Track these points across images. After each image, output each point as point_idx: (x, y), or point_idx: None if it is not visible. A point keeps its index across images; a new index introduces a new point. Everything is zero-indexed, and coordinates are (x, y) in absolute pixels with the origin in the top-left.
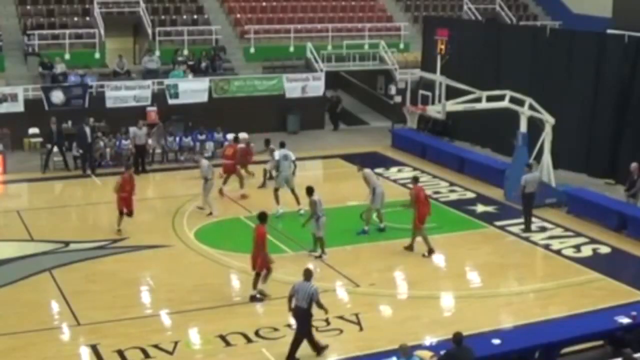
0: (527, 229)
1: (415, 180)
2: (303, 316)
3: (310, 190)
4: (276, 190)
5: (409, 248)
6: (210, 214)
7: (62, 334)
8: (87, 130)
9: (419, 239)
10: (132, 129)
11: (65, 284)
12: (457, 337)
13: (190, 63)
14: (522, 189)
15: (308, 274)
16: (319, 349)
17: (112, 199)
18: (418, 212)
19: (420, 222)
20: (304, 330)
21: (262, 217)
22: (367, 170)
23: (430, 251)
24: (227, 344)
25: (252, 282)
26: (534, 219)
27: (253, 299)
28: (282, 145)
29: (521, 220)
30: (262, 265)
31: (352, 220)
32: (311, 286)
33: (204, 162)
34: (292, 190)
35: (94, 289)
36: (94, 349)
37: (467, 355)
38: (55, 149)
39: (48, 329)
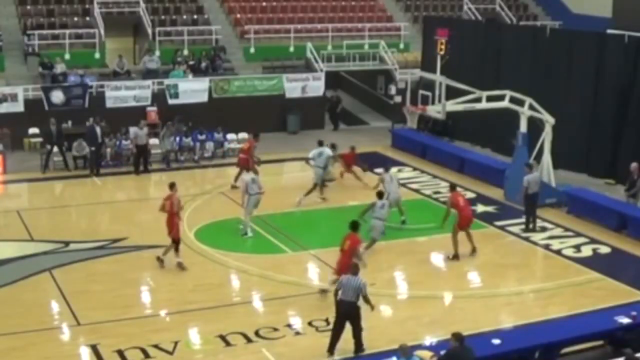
0: (528, 228)
1: (452, 187)
2: (352, 309)
3: (380, 194)
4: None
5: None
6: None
7: (62, 334)
8: (98, 130)
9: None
10: (132, 129)
11: (65, 284)
12: (459, 336)
13: (191, 63)
14: (525, 190)
15: (356, 268)
16: (360, 347)
17: (112, 199)
18: (459, 216)
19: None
20: (358, 322)
21: (355, 226)
22: (386, 176)
23: (455, 256)
24: (227, 343)
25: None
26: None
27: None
28: (320, 143)
29: (521, 220)
30: (340, 271)
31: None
32: (359, 280)
33: (246, 177)
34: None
35: (94, 289)
36: (94, 349)
37: (467, 354)
38: (55, 149)
39: (48, 329)
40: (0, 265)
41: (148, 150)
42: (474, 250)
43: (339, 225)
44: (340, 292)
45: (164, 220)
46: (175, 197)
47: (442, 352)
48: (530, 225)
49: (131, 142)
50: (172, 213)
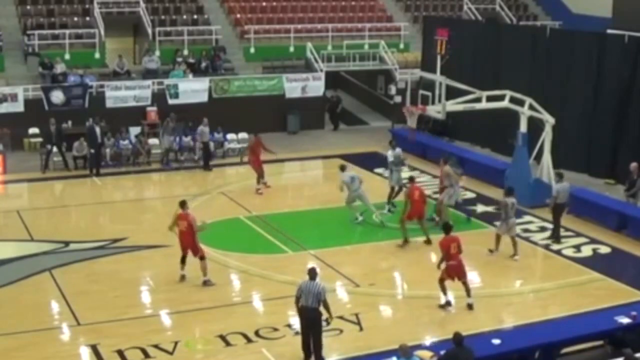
0: (557, 239)
1: (411, 179)
2: (314, 316)
3: (510, 191)
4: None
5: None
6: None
7: (62, 334)
8: (98, 130)
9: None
10: (199, 128)
11: (66, 284)
12: (458, 338)
13: (191, 61)
14: (554, 199)
15: (313, 273)
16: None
17: (111, 199)
18: (410, 208)
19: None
20: (319, 330)
21: (447, 227)
22: (448, 167)
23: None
24: (227, 343)
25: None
26: (536, 220)
27: (470, 306)
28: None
29: (520, 220)
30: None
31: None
32: (318, 285)
33: (345, 177)
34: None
35: (94, 289)
36: (94, 349)
37: (467, 355)
38: (55, 149)
39: (48, 329)
40: (0, 265)
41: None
42: (428, 242)
43: (340, 225)
44: (301, 300)
45: (163, 220)
46: (191, 216)
47: (442, 352)
48: (555, 234)
49: (197, 139)
50: (191, 232)
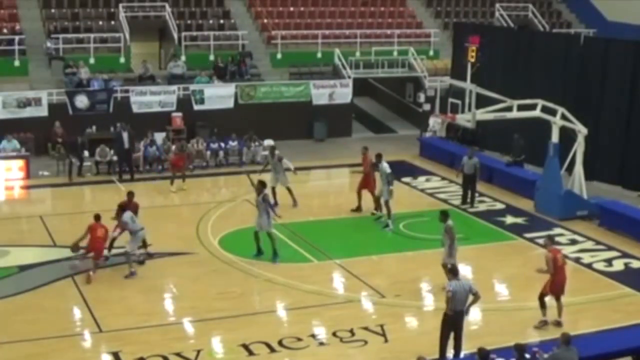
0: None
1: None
2: (462, 318)
3: (445, 216)
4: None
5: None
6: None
7: (84, 341)
8: (125, 136)
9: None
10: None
11: (88, 290)
12: (566, 338)
13: (221, 65)
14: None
15: (456, 271)
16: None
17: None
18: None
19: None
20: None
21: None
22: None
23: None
24: (250, 353)
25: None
26: (566, 232)
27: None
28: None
29: (551, 232)
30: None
31: (378, 229)
32: (465, 282)
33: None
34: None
35: (117, 296)
36: (116, 356)
37: (572, 356)
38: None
39: (70, 335)
40: (22, 270)
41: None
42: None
43: (366, 234)
44: (453, 302)
45: (187, 228)
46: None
47: (546, 355)
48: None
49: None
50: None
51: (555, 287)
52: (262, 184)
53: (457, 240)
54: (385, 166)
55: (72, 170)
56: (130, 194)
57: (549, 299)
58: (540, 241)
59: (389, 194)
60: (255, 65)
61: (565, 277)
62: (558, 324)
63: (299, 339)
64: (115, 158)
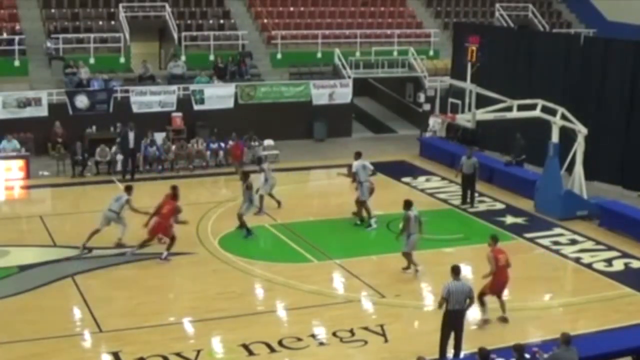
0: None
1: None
2: (462, 318)
3: (408, 204)
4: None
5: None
6: None
7: (84, 341)
8: (131, 135)
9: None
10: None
11: (88, 290)
12: (566, 338)
13: (221, 66)
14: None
15: (457, 271)
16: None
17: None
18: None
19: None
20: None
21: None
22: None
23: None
24: (250, 353)
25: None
26: (566, 232)
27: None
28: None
29: (551, 232)
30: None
31: (379, 229)
32: (465, 284)
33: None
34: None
35: (117, 296)
36: (116, 356)
37: (572, 356)
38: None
39: (70, 335)
40: (23, 270)
41: None
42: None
43: (366, 234)
44: (449, 303)
45: (187, 227)
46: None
47: (546, 355)
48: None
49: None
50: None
51: (496, 287)
52: (246, 174)
53: (417, 233)
54: (355, 164)
55: (75, 169)
56: (175, 188)
57: (489, 298)
58: (541, 242)
59: (364, 193)
60: (255, 65)
61: (507, 277)
62: (504, 319)
63: (299, 339)
64: (119, 157)
